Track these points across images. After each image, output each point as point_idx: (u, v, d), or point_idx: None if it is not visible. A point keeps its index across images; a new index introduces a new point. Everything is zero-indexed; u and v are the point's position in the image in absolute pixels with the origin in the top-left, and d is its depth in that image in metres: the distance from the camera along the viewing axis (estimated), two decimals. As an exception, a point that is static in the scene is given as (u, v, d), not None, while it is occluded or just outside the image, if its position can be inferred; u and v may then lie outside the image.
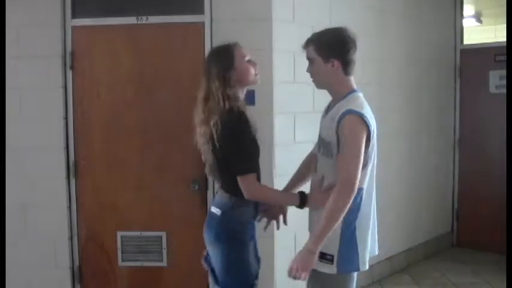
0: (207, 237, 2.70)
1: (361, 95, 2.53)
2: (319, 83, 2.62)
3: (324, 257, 2.43)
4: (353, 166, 2.31)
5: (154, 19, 3.68)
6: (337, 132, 2.38)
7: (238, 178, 2.50)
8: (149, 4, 3.73)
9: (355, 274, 2.53)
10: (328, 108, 2.63)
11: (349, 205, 2.31)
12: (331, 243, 2.41)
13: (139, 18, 3.69)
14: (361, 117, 2.36)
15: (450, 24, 5.74)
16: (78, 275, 3.84)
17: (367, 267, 2.51)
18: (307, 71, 2.65)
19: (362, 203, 2.44)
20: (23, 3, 3.68)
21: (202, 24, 3.65)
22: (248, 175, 2.51)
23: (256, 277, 2.71)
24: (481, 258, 5.28)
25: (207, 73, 2.61)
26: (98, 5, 3.77)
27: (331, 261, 2.43)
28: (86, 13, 3.73)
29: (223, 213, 2.62)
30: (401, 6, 4.91)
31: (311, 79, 2.65)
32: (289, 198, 2.66)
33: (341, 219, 2.33)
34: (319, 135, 2.64)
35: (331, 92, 2.61)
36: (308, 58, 2.61)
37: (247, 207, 2.65)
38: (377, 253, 2.66)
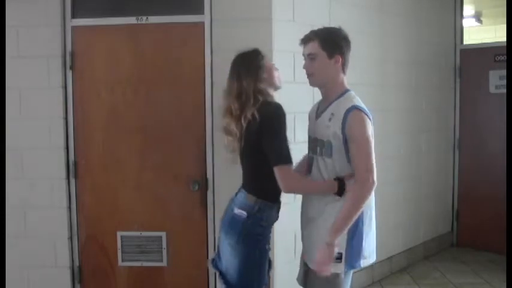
0: (228, 239, 2.63)
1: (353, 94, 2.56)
2: (318, 80, 2.62)
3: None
4: (370, 160, 2.38)
5: (154, 19, 3.68)
6: (342, 129, 2.41)
7: (276, 169, 2.48)
8: (149, 4, 3.72)
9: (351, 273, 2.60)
10: (319, 109, 2.64)
11: (368, 200, 2.37)
12: (340, 241, 2.44)
13: (140, 18, 3.69)
14: (366, 113, 2.43)
15: (450, 24, 5.74)
16: (78, 274, 3.84)
17: (372, 260, 2.61)
18: (304, 67, 2.65)
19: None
20: (23, 3, 3.68)
21: (202, 24, 3.65)
22: (286, 166, 2.50)
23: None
24: (481, 258, 5.28)
25: (235, 73, 2.65)
26: (97, 5, 3.77)
27: (339, 259, 2.47)
28: (85, 13, 3.73)
29: (248, 216, 2.59)
30: (401, 6, 4.91)
31: (308, 75, 2.64)
32: (327, 186, 2.51)
33: (359, 214, 2.38)
34: (313, 137, 2.64)
35: (326, 90, 2.63)
36: (310, 53, 2.59)
37: (271, 211, 2.65)
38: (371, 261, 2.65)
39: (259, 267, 2.63)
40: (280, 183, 2.50)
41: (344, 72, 2.59)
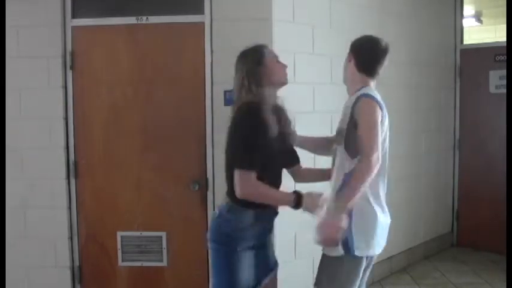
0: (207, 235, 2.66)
1: (368, 86, 2.69)
2: (343, 78, 2.80)
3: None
4: (375, 140, 2.43)
5: (154, 19, 3.68)
6: (352, 115, 2.53)
7: (235, 172, 2.40)
8: (149, 4, 3.73)
9: (363, 259, 2.58)
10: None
11: (371, 177, 2.39)
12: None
13: (140, 18, 3.69)
14: (375, 101, 2.53)
15: (450, 24, 5.74)
16: (78, 275, 3.84)
17: (375, 252, 2.62)
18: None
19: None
20: (23, 4, 3.68)
21: (203, 24, 3.65)
22: (245, 171, 2.38)
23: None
24: (481, 258, 5.28)
25: (235, 71, 2.62)
26: (98, 5, 3.77)
27: (342, 245, 2.51)
28: (86, 13, 3.73)
29: (219, 215, 2.59)
30: (401, 6, 4.91)
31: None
32: (284, 198, 2.49)
33: (363, 190, 2.41)
34: (338, 129, 2.73)
35: (347, 88, 2.77)
36: None
37: (243, 215, 2.52)
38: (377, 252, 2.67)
39: (228, 272, 2.53)
40: (236, 188, 2.41)
41: (362, 71, 2.69)
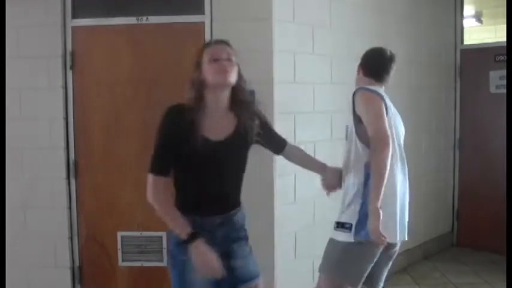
0: None
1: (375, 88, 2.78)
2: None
3: (343, 225, 2.63)
4: (378, 122, 2.54)
5: (154, 19, 3.68)
6: (354, 110, 2.67)
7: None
8: (149, 4, 3.73)
9: (372, 246, 2.57)
10: None
11: (389, 158, 2.46)
12: (352, 213, 2.60)
13: (140, 18, 3.69)
14: (372, 92, 2.68)
15: (450, 24, 5.74)
16: (79, 275, 3.84)
17: (392, 241, 2.62)
18: None
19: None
20: (23, 4, 3.68)
21: (203, 24, 3.64)
22: (151, 175, 2.27)
23: None
24: (481, 258, 5.28)
25: None
26: (98, 5, 3.77)
27: (349, 229, 2.59)
28: (86, 13, 3.73)
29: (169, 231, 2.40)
30: (401, 6, 4.91)
31: None
32: (176, 227, 2.27)
33: (387, 171, 2.46)
34: (346, 126, 2.93)
35: None
36: None
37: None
38: (397, 241, 2.71)
39: (179, 283, 2.37)
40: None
41: (368, 76, 2.87)
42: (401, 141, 2.79)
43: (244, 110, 2.41)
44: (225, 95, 2.38)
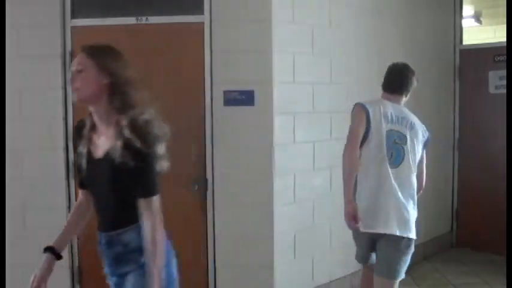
0: None
1: (384, 100, 3.26)
2: None
3: None
4: (351, 126, 3.14)
5: (154, 19, 3.69)
6: None
7: None
8: (149, 4, 3.73)
9: (354, 233, 3.21)
10: None
11: (349, 156, 3.03)
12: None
13: (139, 18, 3.69)
14: (359, 105, 3.14)
15: (449, 24, 5.74)
16: (78, 275, 3.84)
17: (364, 230, 3.03)
18: None
19: (357, 180, 3.05)
20: (23, 4, 3.68)
21: (202, 24, 3.65)
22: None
23: None
24: (480, 259, 5.28)
25: None
26: (97, 5, 3.78)
27: None
28: (85, 13, 3.74)
29: None
30: (400, 6, 4.91)
31: None
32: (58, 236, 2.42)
33: (345, 175, 3.02)
34: None
35: None
36: None
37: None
38: (379, 231, 3.05)
39: None
40: None
41: (385, 93, 3.34)
42: (400, 143, 3.12)
43: (118, 123, 2.09)
44: (98, 109, 2.15)
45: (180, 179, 3.72)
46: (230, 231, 3.70)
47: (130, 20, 3.69)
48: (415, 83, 3.36)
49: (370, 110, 3.07)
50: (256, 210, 3.70)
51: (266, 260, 3.71)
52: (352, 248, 4.40)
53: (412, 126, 3.16)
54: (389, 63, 4.94)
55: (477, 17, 6.24)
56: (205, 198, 3.71)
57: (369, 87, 4.52)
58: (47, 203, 3.75)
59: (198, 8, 3.66)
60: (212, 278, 3.75)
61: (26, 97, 3.73)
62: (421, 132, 3.23)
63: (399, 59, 5.03)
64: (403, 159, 3.10)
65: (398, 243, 3.03)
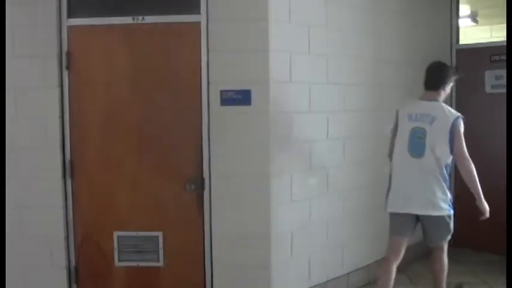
0: None
1: (417, 100, 3.80)
2: None
3: None
4: None
5: (150, 19, 3.68)
6: None
7: None
8: (145, 4, 3.72)
9: (395, 214, 3.68)
10: None
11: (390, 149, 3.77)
12: None
13: (136, 18, 3.68)
14: (397, 109, 3.82)
15: (446, 24, 5.74)
16: (75, 275, 3.83)
17: (391, 209, 3.67)
18: None
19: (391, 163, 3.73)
20: (19, 3, 3.67)
21: (199, 24, 3.64)
22: None
23: None
24: (478, 259, 5.28)
25: None
26: (94, 5, 3.77)
27: None
28: (82, 13, 3.73)
29: None
30: (397, 6, 4.92)
31: None
32: None
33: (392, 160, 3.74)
34: None
35: None
36: None
37: None
38: (400, 211, 3.63)
39: None
40: None
41: (424, 89, 3.87)
42: (423, 138, 3.58)
43: None
44: None
45: (176, 178, 3.72)
46: (227, 231, 3.70)
47: (127, 20, 3.68)
48: (450, 78, 3.79)
49: (400, 112, 3.73)
50: (253, 210, 3.70)
51: (263, 259, 3.71)
52: (348, 248, 4.41)
53: (432, 121, 3.58)
54: (385, 62, 4.99)
55: (473, 17, 6.25)
56: (202, 198, 3.71)
57: (366, 87, 4.54)
58: (43, 203, 3.75)
59: (194, 8, 3.65)
60: (209, 277, 3.75)
61: (22, 96, 3.72)
62: (445, 123, 3.60)
63: (396, 58, 5.06)
64: (425, 150, 3.56)
65: (430, 219, 3.63)
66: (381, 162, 4.69)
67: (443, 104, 3.72)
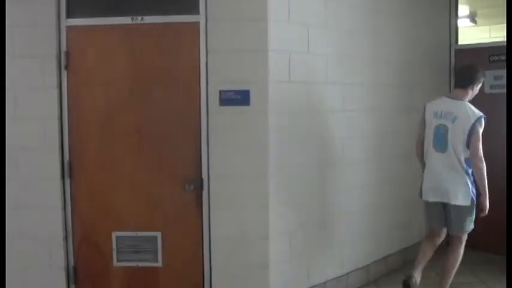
0: None
1: (444, 97, 4.08)
2: None
3: None
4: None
5: (149, 19, 3.68)
6: None
7: None
8: (144, 4, 3.72)
9: (427, 202, 4.14)
10: None
11: (416, 145, 4.22)
12: None
13: (135, 18, 3.68)
14: (424, 106, 4.13)
15: (445, 24, 5.75)
16: (73, 275, 3.82)
17: (424, 198, 4.11)
18: None
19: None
20: (18, 3, 3.67)
21: (198, 24, 3.64)
22: None
23: None
24: (477, 258, 5.27)
25: None
26: (92, 5, 3.76)
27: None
28: (80, 13, 3.72)
29: None
30: (396, 6, 4.92)
31: None
32: None
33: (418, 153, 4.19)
34: None
35: None
36: None
37: None
38: (430, 200, 4.06)
39: None
40: None
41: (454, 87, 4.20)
42: (445, 134, 3.88)
43: None
44: None
45: (175, 179, 3.72)
46: (226, 231, 3.70)
47: (126, 20, 3.68)
48: (480, 79, 3.98)
49: (427, 108, 4.07)
50: (252, 210, 3.70)
51: (262, 259, 3.71)
52: (347, 248, 4.41)
53: (454, 119, 3.85)
54: (384, 62, 5.00)
55: (472, 17, 6.26)
56: (201, 198, 3.70)
57: (365, 86, 4.54)
58: (41, 203, 3.74)
59: (193, 8, 3.65)
60: (208, 277, 3.74)
61: (21, 97, 3.71)
62: (465, 124, 3.80)
63: (395, 58, 5.07)
64: (447, 146, 3.87)
65: (453, 208, 3.93)
66: (381, 162, 4.70)
67: (468, 104, 3.92)
